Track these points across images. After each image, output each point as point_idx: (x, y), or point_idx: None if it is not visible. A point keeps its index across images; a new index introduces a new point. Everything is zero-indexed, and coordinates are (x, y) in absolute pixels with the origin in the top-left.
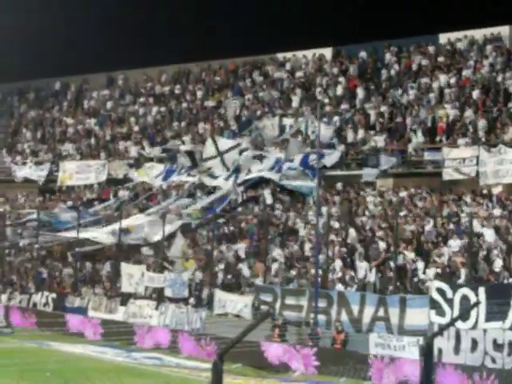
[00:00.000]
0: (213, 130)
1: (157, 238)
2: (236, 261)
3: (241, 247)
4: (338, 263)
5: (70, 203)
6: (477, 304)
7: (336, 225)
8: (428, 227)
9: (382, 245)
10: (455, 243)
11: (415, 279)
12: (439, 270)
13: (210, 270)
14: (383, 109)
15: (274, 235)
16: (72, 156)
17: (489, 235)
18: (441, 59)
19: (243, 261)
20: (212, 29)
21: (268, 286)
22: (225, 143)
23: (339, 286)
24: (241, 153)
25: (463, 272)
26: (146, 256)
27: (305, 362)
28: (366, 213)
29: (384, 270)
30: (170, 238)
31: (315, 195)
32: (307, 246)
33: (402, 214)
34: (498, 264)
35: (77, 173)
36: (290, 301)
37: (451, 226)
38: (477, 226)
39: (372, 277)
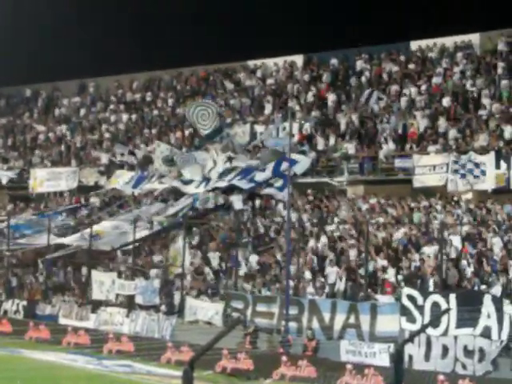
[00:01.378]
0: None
1: (124, 242)
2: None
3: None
4: (309, 271)
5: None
6: (447, 311)
7: (307, 232)
8: (398, 234)
9: (353, 252)
10: (427, 250)
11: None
12: (409, 277)
13: (182, 276)
14: (354, 116)
15: (244, 241)
16: (43, 163)
17: (458, 242)
18: (411, 67)
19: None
20: (183, 36)
21: (239, 293)
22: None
23: (310, 290)
24: (210, 159)
25: (432, 279)
26: (118, 263)
27: None
28: (337, 220)
29: (355, 276)
30: (140, 243)
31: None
32: (278, 254)
33: (372, 221)
34: (468, 271)
35: (47, 180)
36: (261, 308)
37: (421, 234)
38: (447, 233)
39: (342, 284)
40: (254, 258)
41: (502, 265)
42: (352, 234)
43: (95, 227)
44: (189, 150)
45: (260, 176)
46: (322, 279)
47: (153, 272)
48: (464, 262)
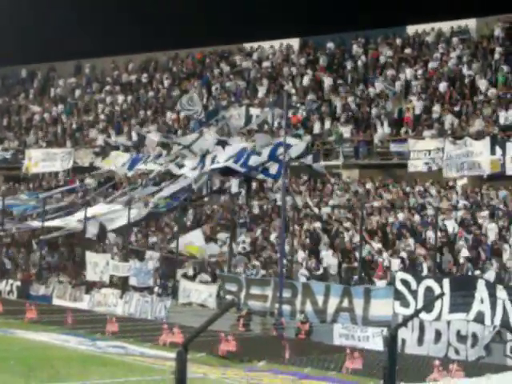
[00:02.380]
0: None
1: (118, 224)
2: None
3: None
4: (303, 253)
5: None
6: (441, 295)
7: (301, 215)
8: (393, 219)
9: (348, 235)
10: (421, 235)
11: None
12: (404, 261)
13: (178, 258)
14: (350, 100)
15: (240, 222)
16: (38, 144)
17: (452, 227)
18: (408, 51)
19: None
20: (180, 18)
21: (233, 275)
22: (187, 139)
23: (303, 271)
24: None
25: (425, 264)
26: (112, 244)
27: None
28: (332, 202)
29: (349, 260)
30: (134, 225)
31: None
32: (272, 236)
33: (367, 205)
34: (462, 256)
35: (42, 160)
36: (254, 291)
37: (416, 218)
38: (442, 218)
39: (336, 267)
40: (247, 240)
41: (495, 250)
42: (347, 217)
43: (90, 210)
44: (183, 133)
45: (254, 160)
46: (316, 262)
47: (148, 254)
48: (458, 247)
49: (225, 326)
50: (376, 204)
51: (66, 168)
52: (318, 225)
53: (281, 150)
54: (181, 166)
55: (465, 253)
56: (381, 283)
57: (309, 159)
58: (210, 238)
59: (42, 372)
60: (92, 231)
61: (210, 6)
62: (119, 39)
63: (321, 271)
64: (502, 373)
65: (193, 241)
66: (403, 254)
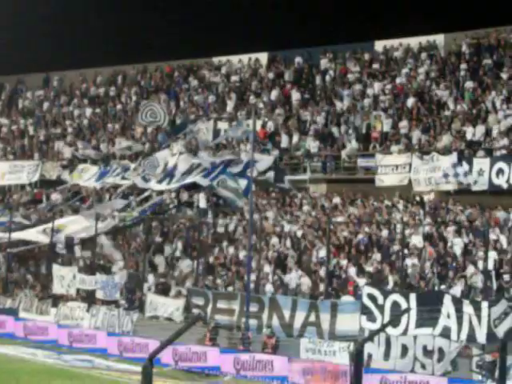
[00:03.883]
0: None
1: (83, 235)
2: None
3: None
4: (270, 268)
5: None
6: (407, 310)
7: (269, 230)
8: (360, 234)
9: (315, 250)
10: (388, 250)
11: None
12: (370, 276)
13: (142, 273)
14: (318, 116)
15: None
16: (5, 156)
17: (419, 242)
18: (376, 66)
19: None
20: (148, 31)
21: (200, 289)
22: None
23: (269, 287)
24: (173, 155)
25: (391, 279)
26: (78, 256)
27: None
28: (301, 217)
29: (316, 275)
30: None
31: (246, 201)
32: (240, 253)
33: (334, 220)
34: (428, 271)
35: (9, 173)
36: (221, 304)
37: (383, 233)
38: (408, 233)
39: (304, 282)
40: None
41: (461, 265)
42: (314, 233)
43: (56, 222)
44: (151, 147)
45: (223, 177)
46: (283, 277)
47: (115, 267)
48: (425, 262)
49: (191, 340)
50: (342, 219)
51: (32, 180)
52: (285, 241)
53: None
54: (148, 180)
55: (431, 268)
56: (347, 298)
57: (271, 176)
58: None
59: None
60: (59, 245)
61: (179, 20)
62: (88, 52)
63: (288, 287)
64: None
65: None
66: (370, 269)
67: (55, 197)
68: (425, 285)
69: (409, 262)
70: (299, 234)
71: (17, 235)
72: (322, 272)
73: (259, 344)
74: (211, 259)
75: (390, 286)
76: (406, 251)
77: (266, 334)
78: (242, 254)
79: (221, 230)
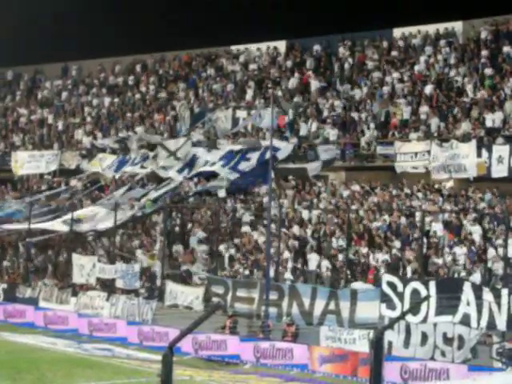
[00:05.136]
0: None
1: (105, 226)
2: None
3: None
4: (290, 256)
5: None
6: (427, 298)
7: (289, 217)
8: (380, 221)
9: (334, 238)
10: (408, 238)
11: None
12: (390, 264)
13: (162, 261)
14: (336, 103)
15: (226, 227)
16: (25, 146)
17: (439, 230)
18: (394, 54)
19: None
20: (167, 20)
21: (220, 277)
22: (175, 143)
23: (288, 275)
24: (193, 145)
25: (411, 266)
26: (99, 247)
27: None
28: (320, 205)
29: (336, 263)
30: (120, 227)
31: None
32: (260, 239)
33: (353, 207)
34: (448, 258)
35: (28, 162)
36: (241, 293)
37: (403, 221)
38: (428, 220)
39: (323, 270)
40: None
41: (481, 252)
42: (334, 220)
43: (77, 212)
44: (170, 136)
45: (244, 165)
46: (304, 265)
47: (137, 253)
48: (445, 250)
49: (210, 329)
50: (361, 207)
51: (50, 169)
52: (305, 228)
53: (268, 153)
54: (167, 169)
55: (451, 255)
56: (365, 285)
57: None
58: (201, 241)
59: (28, 375)
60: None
61: (197, 9)
62: (106, 41)
63: (308, 275)
64: (488, 375)
65: None
66: (390, 257)
67: (74, 183)
68: (444, 272)
69: (429, 249)
70: (319, 221)
71: (37, 225)
72: (341, 260)
73: (279, 332)
74: (231, 247)
75: (409, 273)
76: (425, 239)
77: (286, 322)
78: (261, 241)
79: (240, 217)
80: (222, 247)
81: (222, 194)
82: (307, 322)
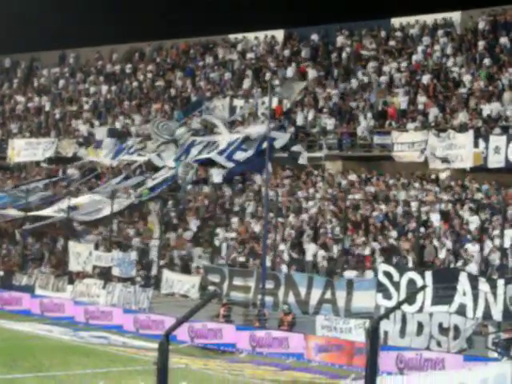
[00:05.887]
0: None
1: (102, 214)
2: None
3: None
4: (286, 245)
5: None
6: (423, 288)
7: (285, 207)
8: (376, 211)
9: (331, 227)
10: (403, 228)
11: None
12: (386, 254)
13: (159, 249)
14: (334, 92)
15: (221, 215)
16: (22, 134)
17: (435, 220)
18: (392, 43)
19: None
20: (165, 8)
21: (216, 266)
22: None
23: (284, 268)
24: (191, 132)
25: (410, 256)
26: (95, 234)
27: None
28: (317, 195)
29: (332, 252)
30: (116, 215)
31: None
32: (256, 228)
33: (350, 197)
34: (444, 248)
35: (25, 149)
36: (237, 282)
37: (399, 211)
38: (424, 210)
39: (320, 259)
40: (230, 232)
41: (477, 242)
42: (331, 209)
43: (73, 200)
44: (166, 124)
45: (240, 155)
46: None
47: (133, 242)
48: (441, 240)
49: (206, 318)
50: (359, 196)
51: (46, 156)
52: (301, 217)
53: (265, 143)
54: (164, 157)
55: (447, 245)
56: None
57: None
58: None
59: (25, 362)
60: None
61: None
62: (104, 29)
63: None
64: (483, 365)
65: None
66: (386, 246)
67: (72, 172)
68: (441, 262)
69: (425, 239)
70: (315, 210)
71: (33, 212)
72: (338, 249)
73: (275, 321)
74: (227, 235)
75: (410, 263)
76: (421, 229)
77: (284, 311)
78: (257, 229)
79: (237, 206)
80: (218, 235)
81: (218, 179)
82: (303, 311)
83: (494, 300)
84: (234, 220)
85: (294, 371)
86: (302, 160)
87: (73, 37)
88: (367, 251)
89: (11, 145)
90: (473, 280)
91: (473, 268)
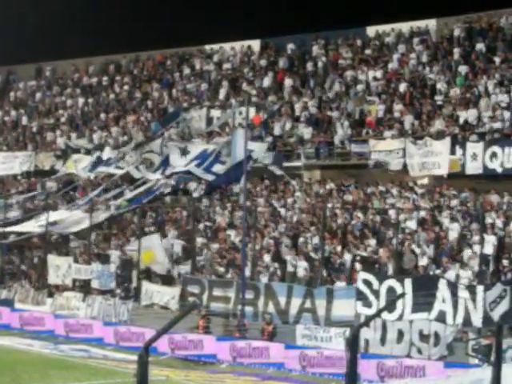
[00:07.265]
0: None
1: (80, 227)
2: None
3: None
4: (266, 255)
5: None
6: (403, 295)
7: (264, 217)
8: (355, 220)
9: (310, 237)
10: (383, 236)
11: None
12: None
13: (137, 260)
14: (310, 102)
15: (202, 227)
16: None
17: (413, 227)
18: (368, 52)
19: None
20: (140, 20)
21: (195, 277)
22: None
23: (265, 279)
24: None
25: (390, 264)
26: (74, 247)
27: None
28: (294, 205)
29: (311, 262)
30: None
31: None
32: (236, 238)
33: (329, 205)
34: (423, 256)
35: (2, 163)
36: (217, 292)
37: (378, 219)
38: (402, 218)
39: (299, 269)
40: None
41: (456, 250)
42: (309, 219)
43: (52, 215)
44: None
45: (217, 168)
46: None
47: (112, 254)
48: (420, 247)
49: (186, 329)
50: (336, 205)
51: (24, 170)
52: (280, 228)
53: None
54: (141, 170)
55: (426, 253)
56: (341, 283)
57: (269, 159)
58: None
59: (3, 376)
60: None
61: (170, 8)
62: (79, 41)
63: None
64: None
65: (149, 246)
66: (365, 255)
67: (50, 185)
68: (420, 269)
69: (404, 246)
70: (294, 220)
71: (12, 228)
72: (317, 258)
73: (255, 331)
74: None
75: (389, 271)
76: (400, 236)
77: (265, 320)
78: (237, 240)
79: (216, 216)
80: (198, 246)
81: (196, 194)
82: (283, 320)
83: (473, 306)
84: (213, 231)
85: (275, 381)
86: (279, 172)
87: (49, 50)
88: (347, 259)
89: None
90: (452, 287)
91: (452, 275)
